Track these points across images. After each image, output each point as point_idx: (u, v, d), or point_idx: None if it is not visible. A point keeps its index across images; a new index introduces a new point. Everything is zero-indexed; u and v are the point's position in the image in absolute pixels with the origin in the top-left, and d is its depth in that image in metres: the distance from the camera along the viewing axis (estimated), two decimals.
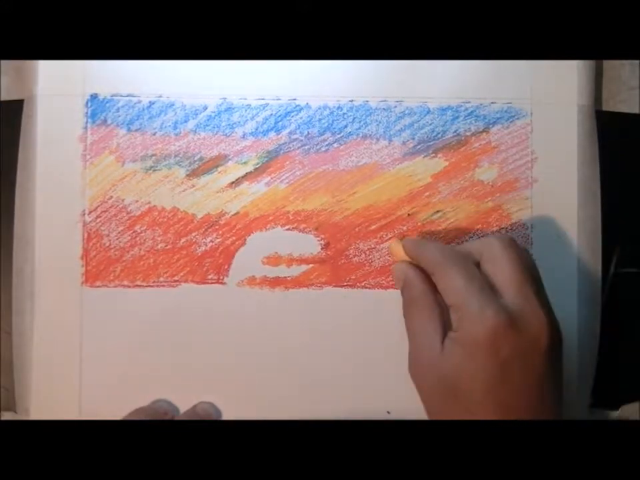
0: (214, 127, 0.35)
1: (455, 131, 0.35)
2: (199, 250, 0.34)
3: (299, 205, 0.35)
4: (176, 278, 0.34)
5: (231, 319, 0.34)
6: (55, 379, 0.34)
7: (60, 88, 0.34)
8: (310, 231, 0.35)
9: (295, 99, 0.35)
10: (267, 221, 0.35)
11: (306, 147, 0.35)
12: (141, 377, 0.34)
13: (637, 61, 0.36)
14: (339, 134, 0.35)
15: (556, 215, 0.35)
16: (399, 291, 0.30)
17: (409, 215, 0.35)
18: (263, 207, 0.35)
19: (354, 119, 0.35)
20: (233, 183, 0.35)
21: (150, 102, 0.34)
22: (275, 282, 0.34)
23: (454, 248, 0.30)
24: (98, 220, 0.34)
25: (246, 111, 0.35)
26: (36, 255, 0.34)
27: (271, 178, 0.35)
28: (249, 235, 0.35)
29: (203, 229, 0.34)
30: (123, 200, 0.34)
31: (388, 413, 0.34)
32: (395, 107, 0.35)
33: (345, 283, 0.34)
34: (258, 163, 0.35)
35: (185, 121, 0.34)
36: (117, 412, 0.33)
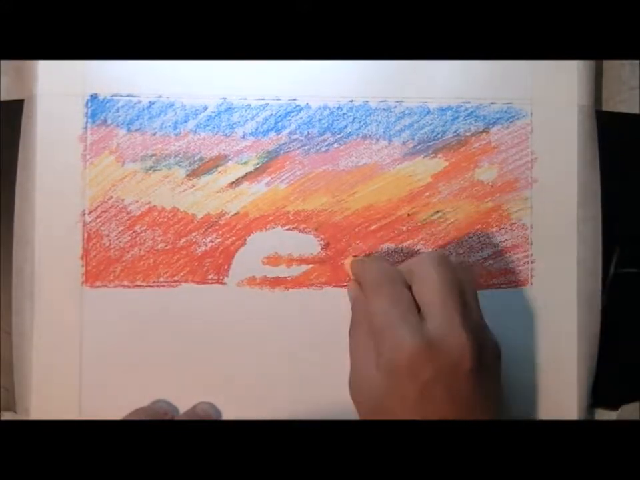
0: (214, 127, 0.35)
1: (455, 131, 0.35)
2: (198, 250, 0.34)
3: (299, 205, 0.35)
4: (176, 278, 0.34)
5: (231, 319, 0.34)
6: (55, 379, 0.34)
7: (60, 88, 0.34)
8: (310, 231, 0.35)
9: (295, 99, 0.35)
10: (267, 221, 0.35)
11: (306, 147, 0.35)
12: (141, 377, 0.34)
13: (636, 61, 0.36)
14: (339, 134, 0.35)
15: (556, 215, 0.35)
16: None
17: (408, 215, 0.35)
18: (263, 207, 0.35)
19: (354, 119, 0.35)
20: (233, 183, 0.35)
21: (150, 102, 0.34)
22: (275, 282, 0.34)
23: (391, 269, 0.30)
24: (98, 220, 0.34)
25: (246, 111, 0.35)
26: (36, 254, 0.34)
27: (271, 178, 0.35)
28: (249, 235, 0.35)
29: (203, 229, 0.34)
30: (122, 200, 0.34)
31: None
32: (395, 107, 0.35)
33: (345, 283, 0.34)
34: (258, 163, 0.35)
35: (185, 121, 0.34)
36: (117, 412, 0.33)
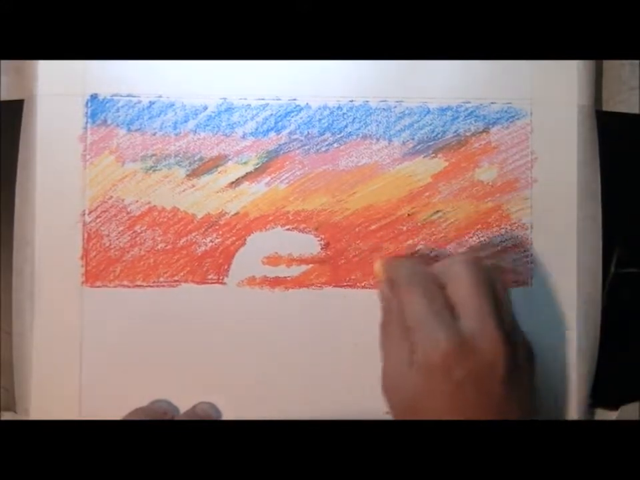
0: (214, 127, 0.35)
1: (455, 131, 0.35)
2: (198, 250, 0.34)
3: (299, 205, 0.35)
4: (176, 278, 0.34)
5: (231, 318, 0.34)
6: (55, 378, 0.34)
7: (60, 88, 0.34)
8: (310, 231, 0.35)
9: (295, 99, 0.35)
10: (267, 221, 0.35)
11: (306, 147, 0.35)
12: (141, 377, 0.34)
13: (636, 61, 0.36)
14: (339, 134, 0.35)
15: (556, 215, 0.35)
16: None
17: (408, 215, 0.35)
18: (263, 207, 0.35)
19: (354, 119, 0.35)
20: (233, 183, 0.35)
21: (150, 102, 0.34)
22: (275, 282, 0.34)
23: (424, 269, 0.30)
24: (98, 220, 0.34)
25: (246, 111, 0.35)
26: (36, 255, 0.34)
27: (271, 178, 0.35)
28: (249, 235, 0.35)
29: (203, 229, 0.34)
30: (123, 200, 0.34)
31: (387, 412, 0.34)
32: (395, 107, 0.35)
33: (345, 283, 0.34)
34: (258, 163, 0.35)
35: (185, 121, 0.34)
36: (116, 412, 0.33)
